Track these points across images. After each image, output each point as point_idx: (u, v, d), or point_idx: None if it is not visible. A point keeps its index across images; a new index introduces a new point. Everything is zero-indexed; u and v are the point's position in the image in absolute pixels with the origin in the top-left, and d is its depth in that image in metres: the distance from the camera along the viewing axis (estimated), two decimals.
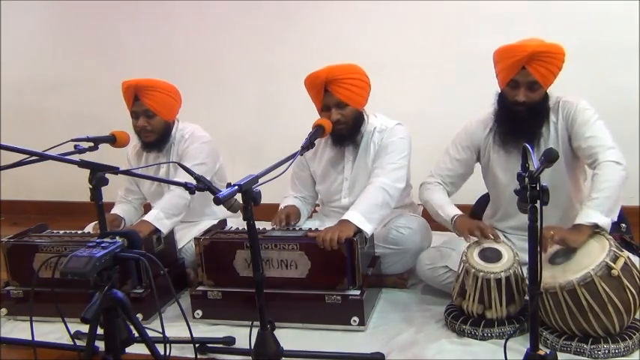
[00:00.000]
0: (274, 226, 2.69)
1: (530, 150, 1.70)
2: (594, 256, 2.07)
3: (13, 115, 4.78)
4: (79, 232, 2.85)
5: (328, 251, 2.34)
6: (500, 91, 2.43)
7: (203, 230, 2.69)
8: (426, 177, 2.66)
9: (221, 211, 2.90)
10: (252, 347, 1.89)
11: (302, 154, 2.41)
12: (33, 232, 2.80)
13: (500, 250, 2.31)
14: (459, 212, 2.50)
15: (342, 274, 2.37)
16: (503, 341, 1.97)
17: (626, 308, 2.03)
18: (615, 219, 2.21)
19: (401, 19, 3.82)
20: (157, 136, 2.92)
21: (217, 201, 1.73)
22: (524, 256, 1.90)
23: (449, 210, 2.51)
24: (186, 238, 2.97)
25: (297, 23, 4.04)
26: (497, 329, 2.23)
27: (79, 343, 2.16)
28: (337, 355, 2.20)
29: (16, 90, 4.75)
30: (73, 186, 3.62)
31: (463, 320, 2.30)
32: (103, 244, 1.63)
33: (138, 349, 1.85)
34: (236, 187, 1.76)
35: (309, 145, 2.38)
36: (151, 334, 1.78)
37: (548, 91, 2.38)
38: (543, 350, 1.80)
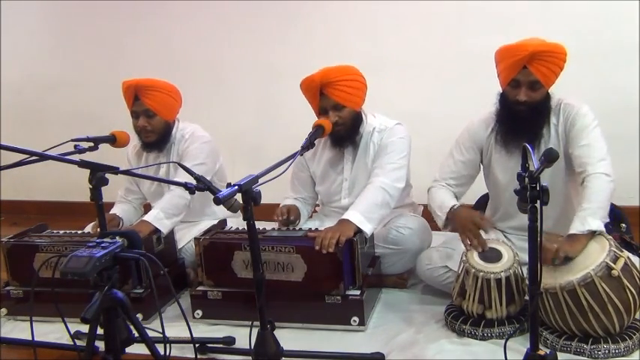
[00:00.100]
0: (274, 227, 2.69)
1: (531, 150, 1.70)
2: (594, 256, 2.07)
3: (13, 115, 4.78)
4: (79, 232, 2.85)
5: (325, 255, 2.33)
6: (501, 91, 2.43)
7: (203, 230, 2.69)
8: (432, 182, 2.65)
9: (221, 211, 2.90)
10: (252, 347, 1.89)
11: (302, 154, 2.41)
12: (33, 232, 2.80)
13: (500, 250, 2.31)
14: (456, 203, 2.48)
15: (339, 279, 2.36)
16: (503, 341, 1.97)
17: (626, 308, 2.03)
18: (606, 221, 2.21)
19: (401, 19, 3.82)
20: (157, 136, 2.91)
21: (217, 201, 1.73)
22: (524, 256, 1.90)
23: (447, 203, 2.48)
24: (186, 238, 2.97)
25: (297, 23, 4.04)
26: (497, 329, 2.23)
27: (79, 343, 2.16)
28: (337, 355, 2.20)
29: (16, 90, 4.75)
30: (73, 186, 3.63)
31: (463, 320, 2.30)
32: (103, 244, 1.63)
33: (138, 349, 1.85)
34: (236, 187, 1.76)
35: (309, 145, 2.38)
36: (151, 334, 1.78)
37: (550, 91, 2.38)
38: (543, 350, 1.80)
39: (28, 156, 1.89)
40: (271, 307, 1.94)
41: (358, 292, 2.39)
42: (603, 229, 2.15)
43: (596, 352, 2.04)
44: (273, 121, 4.18)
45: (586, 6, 3.48)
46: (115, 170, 1.90)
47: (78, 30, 4.53)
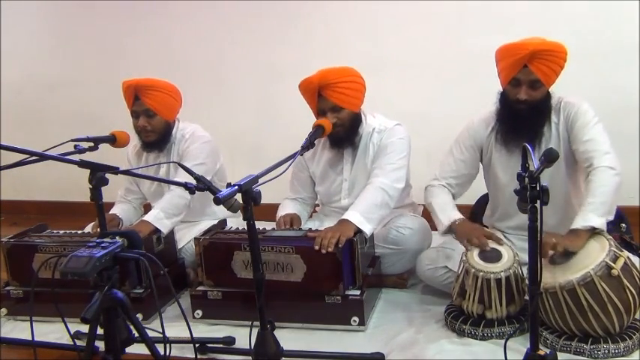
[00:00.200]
0: (274, 227, 2.69)
1: (531, 150, 1.70)
2: (594, 255, 2.07)
3: (13, 115, 4.78)
4: (79, 232, 2.85)
5: (324, 256, 2.33)
6: (502, 90, 2.43)
7: (203, 230, 2.68)
8: (431, 180, 2.64)
9: (221, 211, 2.90)
10: (252, 347, 1.89)
11: (302, 154, 2.41)
12: (33, 232, 2.80)
13: (500, 250, 2.31)
14: (461, 216, 2.48)
15: (338, 280, 2.36)
16: (503, 341, 1.97)
17: (626, 308, 2.03)
18: (611, 218, 2.21)
19: (401, 19, 3.82)
20: (157, 136, 2.91)
21: (217, 201, 1.73)
22: (524, 256, 1.90)
23: (451, 213, 2.48)
24: (186, 238, 2.97)
25: (297, 23, 4.04)
26: (497, 329, 2.23)
27: (79, 343, 2.16)
28: (337, 355, 2.20)
29: (15, 89, 4.75)
30: (73, 186, 3.64)
31: (463, 320, 2.30)
32: (103, 244, 1.63)
33: (138, 349, 1.85)
34: (236, 187, 1.76)
35: (309, 145, 2.38)
36: (151, 334, 1.78)
37: (550, 90, 2.38)
38: (543, 350, 1.80)
39: (28, 156, 1.89)
40: (271, 307, 1.94)
41: (358, 292, 2.39)
42: (604, 227, 2.15)
43: (595, 352, 2.04)
44: (273, 121, 4.18)
45: (586, 6, 3.48)
46: (115, 170, 1.90)
47: (78, 30, 4.53)
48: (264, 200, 1.83)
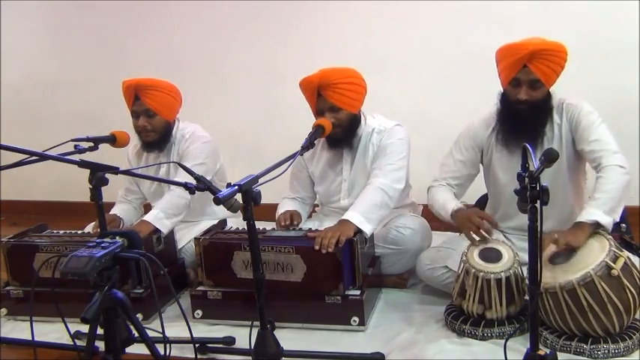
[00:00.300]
0: (274, 227, 2.69)
1: (531, 150, 1.70)
2: (594, 255, 2.07)
3: (13, 115, 4.78)
4: (79, 232, 2.85)
5: (324, 256, 2.33)
6: (502, 91, 2.43)
7: (203, 230, 2.68)
8: (431, 181, 2.65)
9: (221, 211, 2.90)
10: (252, 347, 1.89)
11: (302, 154, 2.41)
12: (33, 232, 2.80)
13: (500, 250, 2.31)
14: (459, 206, 2.48)
15: (338, 280, 2.36)
16: (503, 341, 1.97)
17: (626, 308, 2.03)
18: (617, 219, 2.21)
19: (401, 19, 3.82)
20: (157, 136, 2.91)
21: (217, 201, 1.73)
22: (524, 256, 1.90)
23: (449, 206, 2.50)
24: (186, 238, 2.97)
25: (297, 24, 4.04)
26: (497, 329, 2.23)
27: (79, 343, 2.16)
28: (337, 355, 2.20)
29: (15, 89, 4.75)
30: (73, 186, 3.63)
31: (463, 320, 2.30)
32: (103, 244, 1.63)
33: (138, 349, 1.85)
34: (236, 187, 1.76)
35: (309, 145, 2.37)
36: (151, 334, 1.78)
37: (551, 91, 2.38)
38: (543, 350, 1.80)
39: (28, 156, 1.89)
40: (271, 307, 1.94)
41: (358, 292, 2.39)
42: (610, 226, 2.15)
43: (595, 352, 2.04)
44: (273, 121, 4.18)
45: (586, 5, 3.48)
46: (115, 170, 1.90)
47: (78, 30, 4.53)
48: (264, 200, 1.83)
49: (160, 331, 1.65)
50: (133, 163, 3.09)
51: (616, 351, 2.04)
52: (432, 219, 2.69)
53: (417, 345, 2.24)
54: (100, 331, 1.72)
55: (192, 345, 1.88)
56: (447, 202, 2.52)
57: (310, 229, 2.57)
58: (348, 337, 2.34)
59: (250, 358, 1.93)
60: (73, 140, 2.25)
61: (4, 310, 2.70)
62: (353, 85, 2.60)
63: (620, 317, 2.03)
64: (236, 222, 2.87)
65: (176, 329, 2.17)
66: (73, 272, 1.54)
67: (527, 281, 2.08)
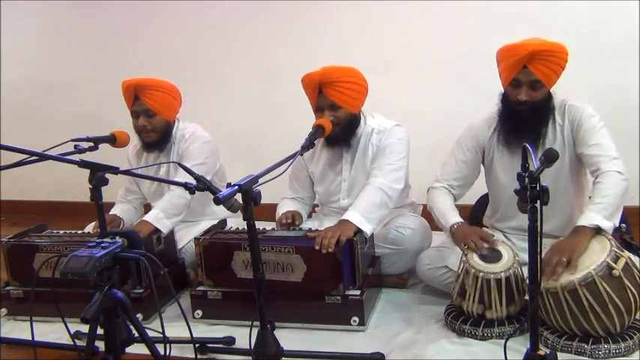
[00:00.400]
0: (274, 227, 2.69)
1: (531, 150, 1.70)
2: (595, 256, 2.07)
3: (13, 115, 4.78)
4: (79, 232, 2.85)
5: (324, 256, 2.33)
6: (503, 91, 2.43)
7: (203, 230, 2.68)
8: (433, 181, 2.64)
9: (221, 211, 2.90)
10: (252, 347, 1.89)
11: (302, 154, 2.41)
12: (33, 232, 2.80)
13: (500, 251, 2.31)
14: (458, 220, 2.48)
15: (338, 280, 2.36)
16: (503, 341, 1.97)
17: (627, 308, 2.03)
18: (616, 225, 2.21)
19: (402, 19, 3.82)
20: (157, 136, 2.91)
21: (217, 201, 1.72)
22: (524, 256, 1.89)
23: (449, 217, 2.49)
24: (186, 238, 2.97)
25: (298, 24, 4.04)
26: (497, 329, 2.23)
27: (79, 343, 2.16)
28: (337, 355, 2.20)
29: (15, 89, 4.75)
30: (73, 186, 3.64)
31: (463, 320, 2.30)
32: (103, 244, 1.63)
33: (138, 349, 1.86)
34: (236, 187, 1.76)
35: (309, 145, 2.37)
36: (151, 334, 1.78)
37: (553, 91, 2.38)
38: (543, 350, 1.80)
39: (28, 156, 1.89)
40: (271, 307, 1.94)
41: (358, 292, 2.39)
42: (611, 228, 2.15)
43: (596, 352, 2.04)
44: (273, 121, 4.18)
45: (586, 5, 3.48)
46: (115, 170, 1.90)
47: (78, 30, 4.53)
48: (264, 200, 1.83)
49: (160, 331, 1.65)
50: (133, 163, 3.09)
51: (617, 351, 2.03)
52: (432, 219, 2.69)
53: (417, 345, 2.24)
54: (100, 331, 1.72)
55: (192, 345, 1.88)
56: (446, 212, 2.51)
57: (310, 229, 2.57)
58: (348, 337, 2.34)
59: (250, 358, 1.93)
60: (73, 140, 2.25)
61: (4, 310, 2.70)
62: (354, 84, 2.60)
63: (621, 317, 2.03)
64: (236, 222, 2.87)
65: (176, 329, 2.17)
66: (73, 272, 1.54)
67: (527, 281, 2.08)
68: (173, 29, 4.30)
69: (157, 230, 2.72)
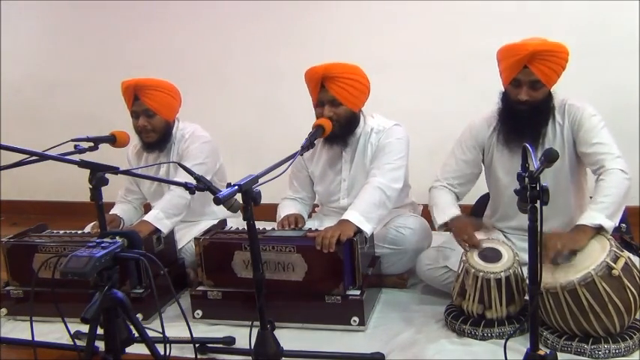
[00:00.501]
0: (274, 227, 2.69)
1: (531, 150, 1.70)
2: (595, 256, 2.07)
3: (13, 115, 4.78)
4: (79, 232, 2.85)
5: (325, 255, 2.33)
6: (503, 90, 2.43)
7: (203, 230, 2.68)
8: (433, 181, 2.64)
9: (221, 211, 2.89)
10: (252, 347, 1.89)
11: (302, 154, 2.41)
12: (33, 232, 2.80)
13: (500, 250, 2.31)
14: (456, 213, 2.48)
15: (339, 279, 2.36)
16: (503, 341, 1.97)
17: (627, 308, 2.03)
18: (617, 224, 2.21)
19: (402, 19, 3.82)
20: (158, 136, 2.91)
21: (217, 201, 1.72)
22: (525, 256, 1.89)
23: (448, 211, 2.49)
24: (186, 238, 2.97)
25: (298, 24, 4.05)
26: (497, 329, 2.23)
27: (79, 343, 2.16)
28: (337, 355, 2.20)
29: (15, 89, 4.75)
30: (73, 186, 3.63)
31: (463, 320, 2.30)
32: (103, 244, 1.63)
33: (138, 349, 1.86)
34: (236, 187, 1.76)
35: (309, 145, 2.37)
36: (151, 334, 1.78)
37: (553, 91, 2.38)
38: (543, 350, 1.80)
39: (28, 156, 1.89)
40: (271, 307, 1.94)
41: (358, 292, 2.39)
42: (611, 228, 2.15)
43: (596, 352, 2.04)
44: (274, 121, 4.18)
45: (586, 5, 3.48)
46: (115, 170, 1.90)
47: (78, 30, 4.53)
48: (264, 200, 1.83)
49: (160, 331, 1.65)
50: (133, 163, 3.08)
51: (617, 351, 2.04)
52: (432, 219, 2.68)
53: (417, 345, 2.24)
54: (100, 331, 1.72)
55: (192, 345, 1.88)
56: (446, 208, 2.51)
57: (310, 229, 2.57)
58: (348, 337, 2.34)
59: (250, 358, 1.93)
60: (73, 140, 2.25)
61: (4, 310, 2.70)
62: (357, 82, 2.60)
63: (620, 317, 2.03)
64: (236, 222, 2.87)
65: (176, 329, 2.17)
66: (73, 272, 1.54)
67: (527, 281, 2.08)
68: (173, 29, 4.30)
69: (157, 230, 2.72)
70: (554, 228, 2.38)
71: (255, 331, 1.89)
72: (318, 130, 2.46)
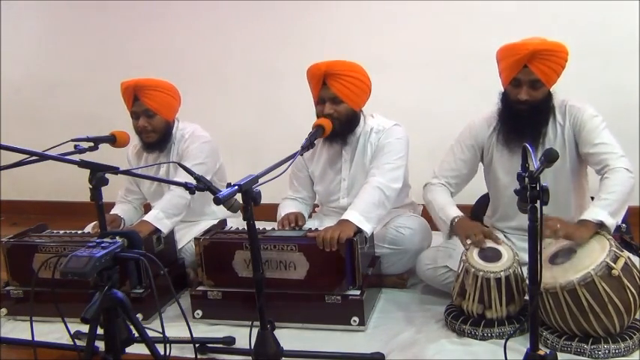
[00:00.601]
0: (274, 227, 2.69)
1: (531, 150, 1.70)
2: (595, 256, 2.07)
3: (13, 115, 4.78)
4: (79, 232, 2.85)
5: (327, 253, 2.33)
6: (503, 90, 2.43)
7: (203, 230, 2.68)
8: (430, 178, 2.65)
9: (221, 211, 2.90)
10: (252, 347, 1.89)
11: (302, 154, 2.41)
12: (33, 232, 2.80)
13: (500, 250, 2.31)
14: (460, 214, 2.49)
15: (341, 276, 2.37)
16: (503, 341, 1.97)
17: (627, 308, 2.03)
18: (620, 222, 2.21)
19: (402, 18, 3.82)
20: (158, 136, 2.91)
21: (217, 201, 1.72)
22: (524, 256, 1.90)
23: (449, 211, 2.49)
24: (186, 238, 2.97)
25: (298, 24, 4.04)
26: (497, 329, 2.23)
27: (79, 343, 2.16)
28: (337, 355, 2.20)
29: (15, 89, 4.75)
30: (73, 186, 3.62)
31: (463, 320, 2.30)
32: (103, 244, 1.63)
33: (138, 349, 1.86)
34: (236, 187, 1.76)
35: (309, 145, 2.37)
36: (151, 334, 1.78)
37: (553, 91, 2.38)
38: (543, 350, 1.80)
39: (28, 156, 1.89)
40: (271, 307, 1.94)
41: (358, 292, 2.39)
42: (613, 226, 2.15)
43: (596, 352, 2.04)
44: (274, 121, 4.18)
45: (586, 5, 3.48)
46: (115, 170, 1.90)
47: (78, 30, 4.53)
48: (264, 200, 1.83)
49: (160, 331, 1.65)
50: (133, 163, 3.09)
51: (616, 351, 2.04)
52: (432, 219, 2.68)
53: (417, 345, 2.24)
54: (100, 331, 1.72)
55: (192, 345, 1.88)
56: (447, 207, 2.51)
57: (310, 229, 2.57)
58: (348, 337, 2.34)
59: (250, 358, 1.93)
60: (73, 140, 2.25)
61: (4, 310, 2.70)
62: (359, 81, 2.60)
63: (620, 317, 2.03)
64: (236, 222, 2.87)
65: (176, 329, 2.17)
66: (73, 272, 1.54)
67: (527, 281, 2.09)
68: (173, 29, 4.30)
69: (157, 230, 2.72)
70: (557, 217, 2.39)
71: (255, 331, 1.89)
72: (318, 130, 2.46)
